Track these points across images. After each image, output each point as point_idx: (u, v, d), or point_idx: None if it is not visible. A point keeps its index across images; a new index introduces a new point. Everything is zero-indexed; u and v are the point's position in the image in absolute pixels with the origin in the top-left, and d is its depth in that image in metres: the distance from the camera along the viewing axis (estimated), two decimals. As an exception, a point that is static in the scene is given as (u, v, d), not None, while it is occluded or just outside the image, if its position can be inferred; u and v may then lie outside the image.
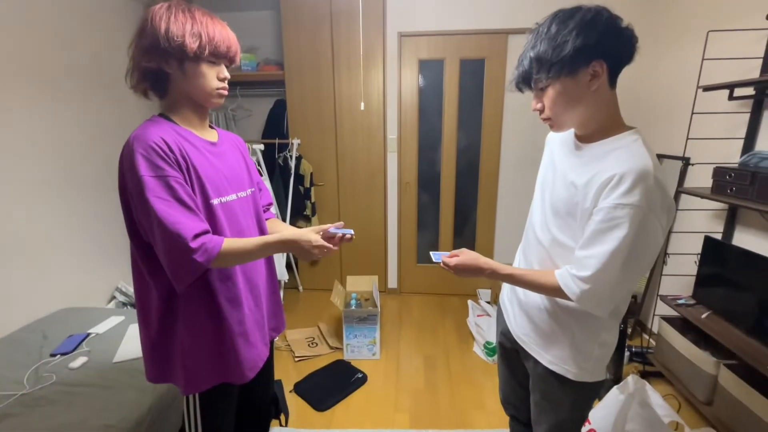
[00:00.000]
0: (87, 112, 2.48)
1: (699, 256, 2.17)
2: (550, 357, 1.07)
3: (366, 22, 2.96)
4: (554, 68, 0.88)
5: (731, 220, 2.12)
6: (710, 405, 1.96)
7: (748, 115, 2.00)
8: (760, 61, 1.92)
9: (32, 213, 2.14)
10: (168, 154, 0.93)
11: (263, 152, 3.09)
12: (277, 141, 3.29)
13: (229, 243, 0.98)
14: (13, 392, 1.54)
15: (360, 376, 2.37)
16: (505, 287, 1.28)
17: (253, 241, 1.02)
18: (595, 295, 0.91)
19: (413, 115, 3.23)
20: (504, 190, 3.30)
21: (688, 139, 2.15)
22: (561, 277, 0.96)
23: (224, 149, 1.13)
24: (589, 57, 0.86)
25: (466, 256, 1.08)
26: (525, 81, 0.96)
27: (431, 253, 1.15)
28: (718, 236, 2.16)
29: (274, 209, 1.43)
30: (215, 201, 1.03)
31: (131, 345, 1.87)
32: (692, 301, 2.17)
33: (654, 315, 2.45)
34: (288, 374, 2.40)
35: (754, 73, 1.94)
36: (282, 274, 3.16)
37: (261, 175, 1.86)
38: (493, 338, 2.56)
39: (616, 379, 2.21)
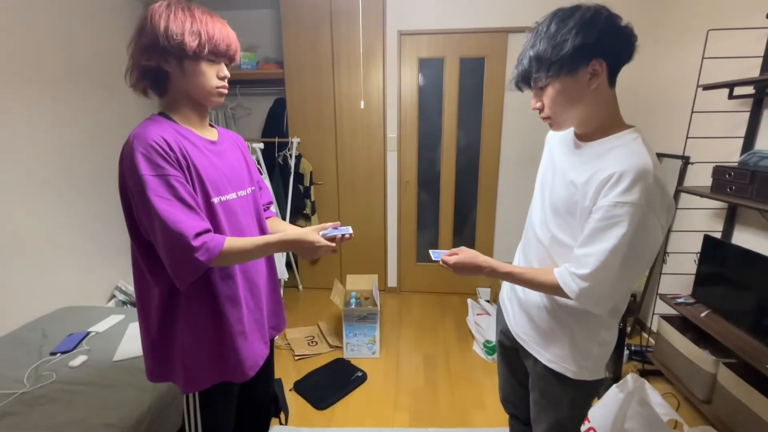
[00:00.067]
0: (87, 111, 2.48)
1: (698, 254, 2.17)
2: (550, 355, 1.07)
3: (366, 21, 2.96)
4: (554, 67, 0.88)
5: (731, 219, 2.13)
6: (709, 403, 1.96)
7: (748, 114, 2.00)
8: (760, 60, 1.92)
9: (32, 212, 2.14)
10: (168, 152, 0.93)
11: (263, 151, 3.10)
12: (276, 140, 3.29)
13: (231, 242, 0.98)
14: (13, 391, 1.54)
15: (360, 374, 2.38)
16: (505, 286, 1.29)
17: (255, 240, 1.02)
18: (594, 293, 0.91)
19: (413, 113, 3.23)
20: (504, 189, 3.30)
21: (687, 137, 2.15)
22: (560, 275, 0.96)
23: (224, 148, 1.13)
24: (588, 56, 0.86)
25: (465, 254, 1.09)
26: (525, 80, 0.96)
27: (431, 251, 1.16)
28: (718, 235, 2.16)
29: (274, 208, 1.42)
30: (215, 200, 1.03)
31: (131, 344, 1.87)
32: (691, 300, 2.17)
33: (653, 314, 2.45)
34: (288, 373, 2.40)
35: (754, 72, 1.93)
36: (282, 273, 3.16)
37: (261, 173, 1.86)
38: (492, 337, 2.57)
39: (616, 377, 2.22)
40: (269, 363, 1.31)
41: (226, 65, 1.06)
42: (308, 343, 2.70)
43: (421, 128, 3.27)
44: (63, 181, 2.32)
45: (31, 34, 2.11)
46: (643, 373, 2.30)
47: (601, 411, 1.76)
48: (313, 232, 1.06)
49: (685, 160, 2.41)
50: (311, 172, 3.32)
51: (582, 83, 0.89)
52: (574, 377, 1.04)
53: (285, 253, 3.42)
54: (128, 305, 2.67)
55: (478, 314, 2.88)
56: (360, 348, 2.56)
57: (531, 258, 1.13)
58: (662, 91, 2.68)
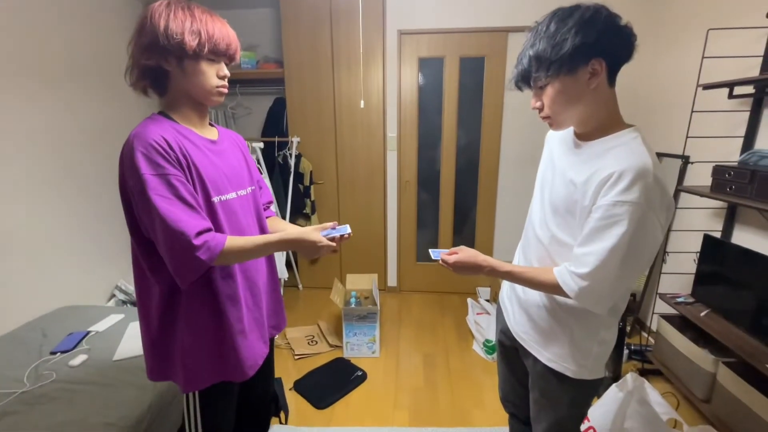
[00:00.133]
0: (87, 111, 2.48)
1: (698, 254, 2.17)
2: (549, 355, 1.07)
3: (366, 20, 2.96)
4: (553, 66, 0.88)
5: (730, 219, 2.13)
6: (708, 402, 1.96)
7: (748, 113, 2.00)
8: (760, 59, 1.91)
9: (32, 211, 2.14)
10: (168, 152, 0.93)
11: (263, 150, 3.10)
12: (276, 139, 3.29)
13: (232, 241, 0.98)
14: (14, 390, 1.54)
15: (359, 374, 2.38)
16: (505, 285, 1.29)
17: (256, 239, 1.02)
18: (594, 292, 0.91)
19: (413, 113, 3.23)
20: (504, 189, 3.30)
21: (687, 137, 2.15)
22: (559, 274, 0.96)
23: (224, 147, 1.13)
24: (588, 55, 0.86)
25: (464, 253, 1.09)
26: (524, 79, 0.96)
27: (430, 250, 1.16)
28: (718, 234, 2.16)
29: (273, 207, 1.43)
30: (215, 199, 1.03)
31: (131, 343, 1.87)
32: (691, 300, 2.17)
33: (653, 313, 2.45)
34: (288, 372, 2.40)
35: (754, 71, 1.93)
36: (282, 272, 3.16)
37: (260, 173, 1.86)
38: (492, 336, 2.57)
39: (615, 376, 2.22)
40: (269, 362, 1.31)
41: (226, 64, 1.06)
42: (308, 343, 2.70)
43: (421, 127, 3.27)
44: (63, 180, 2.32)
45: (30, 33, 2.11)
46: (643, 373, 2.30)
47: (600, 410, 1.76)
48: (314, 232, 1.06)
49: (685, 160, 2.41)
50: (311, 172, 3.32)
51: (581, 83, 0.89)
52: (573, 376, 1.04)
53: (285, 253, 3.42)
54: (128, 304, 2.67)
55: (477, 313, 2.88)
56: (360, 347, 2.56)
57: (531, 257, 1.13)
58: (662, 90, 2.68)
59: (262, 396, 1.36)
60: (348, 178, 3.37)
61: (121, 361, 1.76)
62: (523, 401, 1.27)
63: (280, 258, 3.25)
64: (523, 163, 3.18)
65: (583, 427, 1.74)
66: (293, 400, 2.18)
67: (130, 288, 2.70)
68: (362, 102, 2.98)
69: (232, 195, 1.08)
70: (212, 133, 1.12)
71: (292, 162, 3.21)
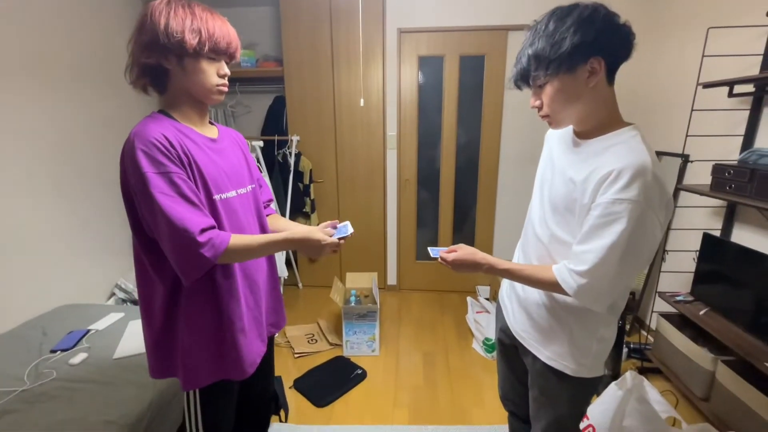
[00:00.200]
0: (87, 109, 2.48)
1: (698, 252, 2.17)
2: (549, 353, 1.08)
3: (365, 19, 2.95)
4: (552, 65, 0.88)
5: (730, 217, 2.13)
6: (707, 401, 1.97)
7: (748, 112, 2.00)
8: (760, 58, 1.92)
9: (32, 210, 2.14)
10: (170, 150, 0.93)
11: (262, 149, 3.09)
12: (276, 138, 3.29)
13: (237, 239, 0.98)
14: (14, 388, 1.55)
15: (359, 372, 2.38)
16: (505, 284, 1.29)
17: (261, 237, 1.02)
18: (593, 290, 0.92)
19: (413, 111, 3.23)
20: (503, 187, 3.30)
21: (687, 136, 2.15)
22: (558, 271, 0.96)
23: (224, 146, 1.13)
24: (586, 54, 0.86)
25: (463, 251, 1.09)
26: (523, 78, 0.96)
27: (429, 248, 1.16)
28: (717, 233, 2.16)
29: (273, 205, 1.43)
30: (216, 197, 1.03)
31: (131, 341, 1.88)
32: (690, 298, 2.17)
33: (652, 311, 2.45)
34: (288, 370, 2.41)
35: (754, 70, 1.94)
36: (282, 271, 3.16)
37: (260, 171, 1.86)
38: (492, 335, 2.57)
39: (615, 375, 2.23)
40: (269, 360, 1.32)
41: (227, 63, 1.05)
42: (308, 341, 2.70)
43: (420, 126, 3.26)
44: (63, 178, 2.32)
45: (31, 32, 2.11)
46: (642, 371, 2.30)
47: (599, 408, 1.76)
48: (318, 231, 1.07)
49: (685, 158, 2.41)
50: (311, 170, 3.32)
51: (580, 81, 0.89)
52: (573, 374, 1.05)
53: (285, 251, 3.42)
54: (128, 303, 2.67)
55: (477, 312, 2.89)
56: (359, 346, 2.57)
57: (530, 255, 1.13)
58: (662, 89, 2.68)
59: (262, 394, 1.36)
60: (348, 177, 3.37)
61: (122, 360, 1.76)
62: (523, 399, 1.27)
63: (280, 256, 3.26)
64: (522, 161, 3.18)
65: (582, 425, 1.74)
66: (293, 398, 2.19)
67: (130, 286, 2.70)
68: (362, 100, 2.98)
69: (232, 193, 1.09)
70: (212, 132, 1.12)
71: (291, 160, 3.21)
